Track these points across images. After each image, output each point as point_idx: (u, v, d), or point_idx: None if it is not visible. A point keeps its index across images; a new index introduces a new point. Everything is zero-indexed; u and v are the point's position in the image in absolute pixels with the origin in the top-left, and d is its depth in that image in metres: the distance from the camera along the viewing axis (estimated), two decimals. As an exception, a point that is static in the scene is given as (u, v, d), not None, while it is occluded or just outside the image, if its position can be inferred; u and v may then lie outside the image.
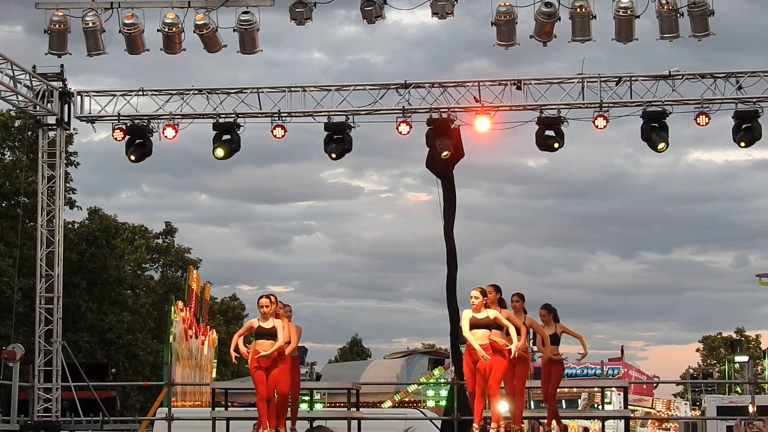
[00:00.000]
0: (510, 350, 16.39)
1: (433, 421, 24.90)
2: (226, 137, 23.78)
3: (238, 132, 23.83)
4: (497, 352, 16.38)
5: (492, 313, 16.44)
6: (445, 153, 23.33)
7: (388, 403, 37.58)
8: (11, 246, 40.48)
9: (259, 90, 23.97)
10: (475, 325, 16.36)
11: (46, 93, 24.10)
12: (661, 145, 23.05)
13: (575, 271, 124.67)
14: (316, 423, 18.47)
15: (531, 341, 18.53)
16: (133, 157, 24.05)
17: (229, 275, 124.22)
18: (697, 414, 47.38)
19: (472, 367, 16.45)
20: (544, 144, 23.45)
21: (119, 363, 47.13)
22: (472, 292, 16.59)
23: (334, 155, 23.75)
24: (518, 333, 16.61)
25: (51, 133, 24.74)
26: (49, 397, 23.72)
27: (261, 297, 17.38)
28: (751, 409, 24.19)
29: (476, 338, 16.30)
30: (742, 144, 22.90)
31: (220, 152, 23.73)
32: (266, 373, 17.08)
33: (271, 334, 17.14)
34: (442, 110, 23.57)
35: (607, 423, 21.84)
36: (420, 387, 40.46)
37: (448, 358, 36.82)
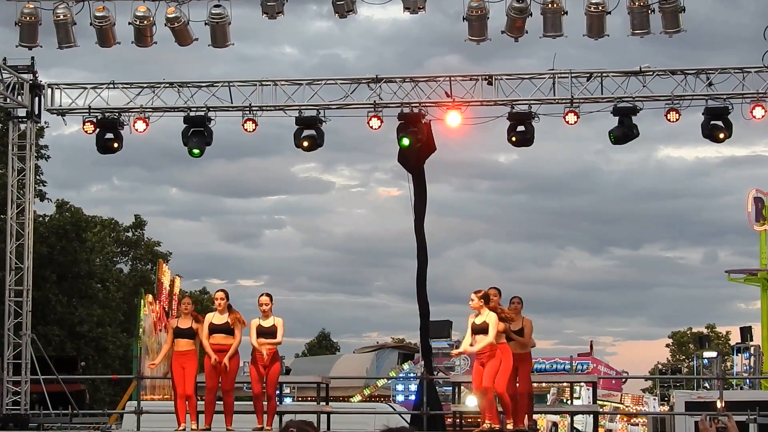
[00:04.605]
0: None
1: (402, 415, 24.94)
2: (197, 130, 23.74)
3: (210, 125, 23.81)
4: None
5: (489, 317, 16.90)
6: (405, 141, 23.19)
7: (358, 398, 37.65)
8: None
9: (231, 84, 23.92)
10: (475, 330, 16.87)
11: (17, 85, 23.96)
12: (616, 134, 23.08)
13: (545, 267, 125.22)
14: (286, 417, 18.49)
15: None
16: (116, 144, 24.02)
17: (199, 269, 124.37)
18: (666, 409, 47.59)
19: (480, 369, 16.84)
20: (513, 139, 23.44)
21: (89, 356, 46.94)
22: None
23: (306, 143, 23.61)
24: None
25: (21, 126, 24.63)
26: (18, 390, 23.62)
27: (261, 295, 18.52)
28: (719, 405, 24.28)
29: (478, 342, 16.76)
30: (721, 136, 22.78)
31: (196, 151, 23.71)
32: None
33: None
34: (413, 105, 23.57)
35: (576, 417, 21.94)
36: (389, 381, 40.53)
37: (418, 352, 36.90)
